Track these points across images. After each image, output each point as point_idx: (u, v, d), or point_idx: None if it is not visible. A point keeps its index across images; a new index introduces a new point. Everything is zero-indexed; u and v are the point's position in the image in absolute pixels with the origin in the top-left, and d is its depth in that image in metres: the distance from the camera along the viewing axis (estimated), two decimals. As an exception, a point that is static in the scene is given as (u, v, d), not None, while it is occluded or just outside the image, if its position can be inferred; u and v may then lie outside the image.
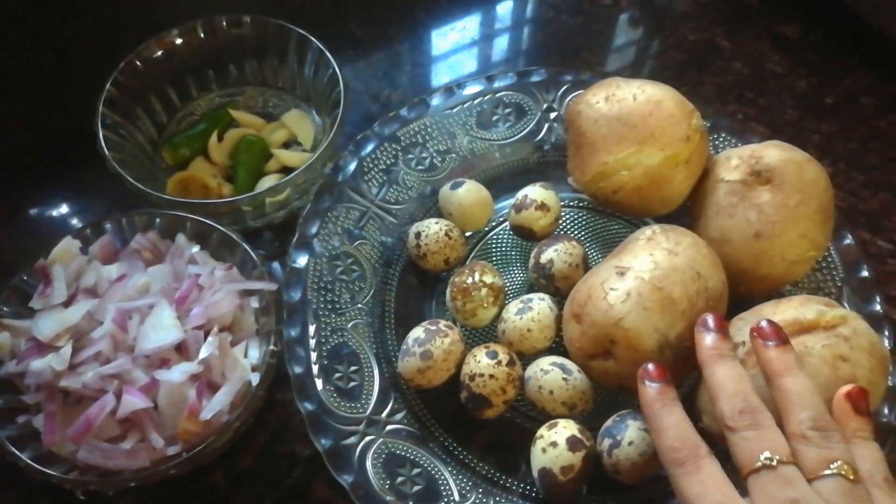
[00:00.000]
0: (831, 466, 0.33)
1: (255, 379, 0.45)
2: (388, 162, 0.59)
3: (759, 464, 0.34)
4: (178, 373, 0.43)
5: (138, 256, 0.49)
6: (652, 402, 0.40)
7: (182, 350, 0.45)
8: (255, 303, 0.49)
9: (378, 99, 0.70)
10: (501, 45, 0.77)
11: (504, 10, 0.80)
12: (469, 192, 0.56)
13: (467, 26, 0.77)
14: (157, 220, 0.50)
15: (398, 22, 0.76)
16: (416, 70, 0.74)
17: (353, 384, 0.50)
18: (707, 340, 0.41)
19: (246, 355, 0.47)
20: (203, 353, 0.44)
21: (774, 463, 0.34)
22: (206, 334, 0.45)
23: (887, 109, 0.70)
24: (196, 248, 0.50)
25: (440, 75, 0.74)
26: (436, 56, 0.76)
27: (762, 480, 0.34)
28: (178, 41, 0.61)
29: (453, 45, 0.76)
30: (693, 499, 0.35)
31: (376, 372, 0.51)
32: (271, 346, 0.46)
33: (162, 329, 0.44)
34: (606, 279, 0.47)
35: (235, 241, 0.50)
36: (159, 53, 0.60)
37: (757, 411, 0.37)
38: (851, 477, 0.33)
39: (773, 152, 0.51)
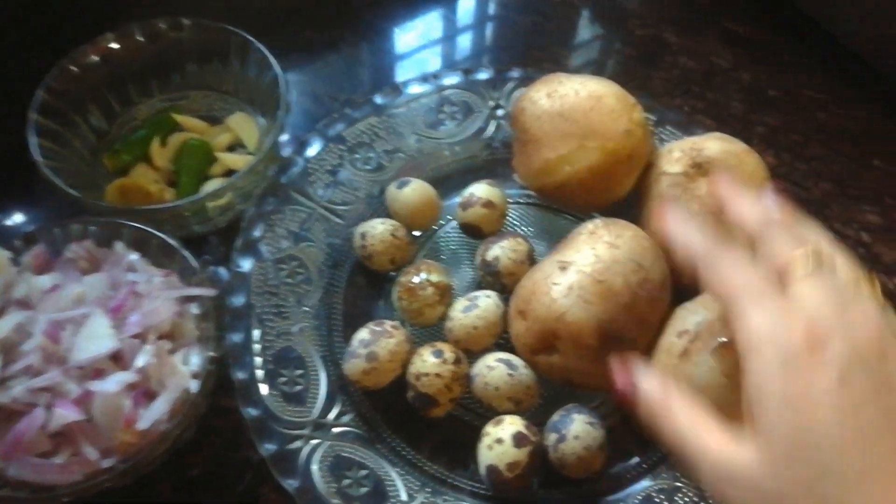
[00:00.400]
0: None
1: (194, 386, 0.44)
2: (333, 163, 0.59)
3: (803, 256, 0.32)
4: (113, 383, 0.42)
5: (73, 266, 0.47)
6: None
7: (119, 360, 0.44)
8: (195, 309, 0.48)
9: (337, 101, 0.70)
10: (463, 43, 0.77)
11: (461, 10, 0.80)
12: (415, 192, 0.56)
13: (424, 27, 0.77)
14: (93, 228, 0.49)
15: (353, 25, 0.76)
16: (373, 72, 0.73)
17: (298, 388, 0.49)
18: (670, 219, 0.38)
19: (186, 363, 0.46)
20: (140, 362, 0.43)
21: (819, 257, 0.32)
22: (144, 343, 0.44)
23: (829, 102, 0.71)
24: (135, 256, 0.49)
25: (399, 76, 0.74)
26: (395, 57, 0.75)
27: (809, 273, 0.31)
28: (115, 45, 0.59)
29: (410, 47, 0.76)
30: (731, 279, 0.33)
31: (323, 375, 0.50)
32: (210, 353, 0.45)
33: (96, 339, 0.43)
34: (550, 274, 0.47)
35: (174, 248, 0.49)
36: (95, 58, 0.59)
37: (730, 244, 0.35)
38: (875, 285, 0.34)
39: (713, 144, 0.51)
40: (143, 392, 0.43)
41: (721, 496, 0.31)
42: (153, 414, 0.42)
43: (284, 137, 0.63)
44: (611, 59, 0.76)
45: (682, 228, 0.37)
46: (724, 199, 0.38)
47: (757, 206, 0.36)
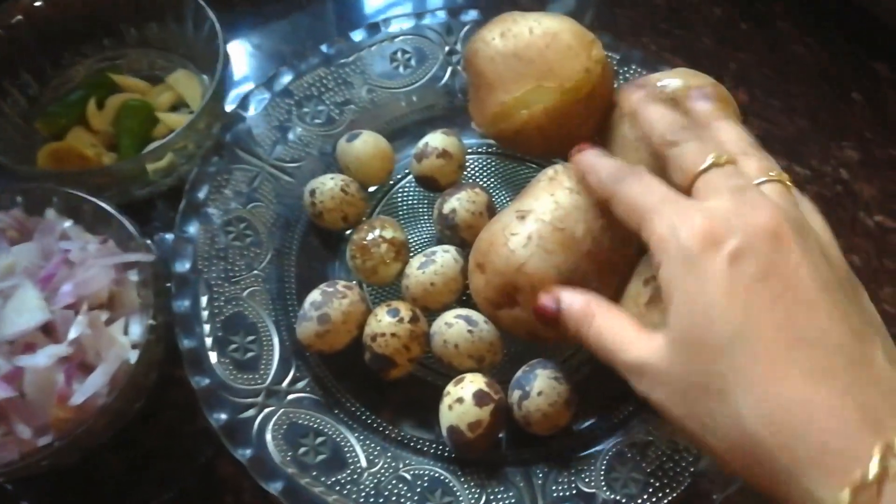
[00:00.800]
0: (770, 174, 0.34)
1: (134, 357, 0.42)
2: (281, 118, 0.56)
3: (708, 163, 0.33)
4: (44, 357, 0.39)
5: (1, 236, 0.45)
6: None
7: (51, 332, 0.41)
8: (135, 276, 0.45)
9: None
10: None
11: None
12: (366, 144, 0.53)
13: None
14: (19, 197, 0.46)
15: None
16: (339, 29, 0.70)
17: (250, 355, 0.47)
18: (634, 93, 0.42)
19: (127, 333, 0.44)
20: (72, 334, 0.40)
21: (723, 161, 0.33)
22: (78, 314, 0.42)
23: (804, 33, 0.68)
24: (68, 223, 0.46)
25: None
26: (362, 14, 0.72)
27: (711, 177, 0.33)
28: (39, 3, 0.55)
29: (379, 2, 0.73)
30: (637, 197, 0.35)
31: (276, 340, 0.48)
32: (150, 321, 0.43)
33: (25, 311, 0.40)
34: (508, 224, 0.45)
35: (111, 214, 0.46)
36: (20, 17, 0.55)
37: (697, 128, 0.37)
38: (788, 184, 0.34)
39: (676, 80, 0.48)
40: (78, 365, 0.41)
41: (640, 392, 0.33)
42: (89, 388, 0.40)
43: (234, 95, 0.60)
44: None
45: (593, 163, 0.40)
46: (633, 107, 0.40)
47: (668, 114, 0.38)
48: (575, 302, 0.38)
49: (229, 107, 0.57)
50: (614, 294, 0.44)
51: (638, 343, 0.33)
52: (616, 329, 0.35)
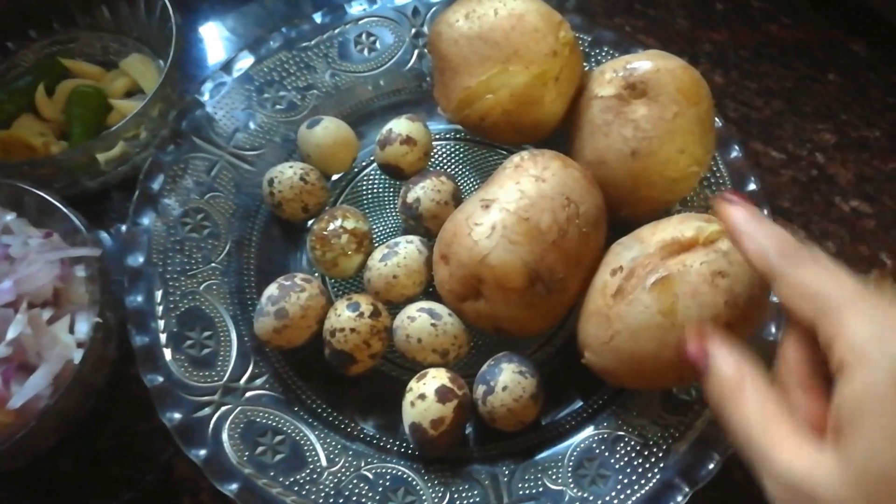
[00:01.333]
0: None
1: (79, 356, 0.40)
2: (240, 104, 0.54)
3: (868, 283, 0.28)
4: (-19, 358, 0.37)
5: (-63, 231, 0.42)
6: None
7: (-11, 332, 0.39)
8: (82, 272, 0.43)
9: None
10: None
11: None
12: (327, 130, 0.51)
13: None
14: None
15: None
16: (318, 8, 0.66)
17: (207, 351, 0.45)
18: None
19: (73, 331, 0.42)
20: (11, 334, 0.38)
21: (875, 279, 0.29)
22: (17, 312, 0.39)
23: (779, 12, 0.66)
24: (10, 216, 0.44)
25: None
26: None
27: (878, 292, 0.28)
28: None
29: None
30: (820, 286, 0.29)
31: (234, 336, 0.47)
32: (96, 319, 0.40)
33: (-38, 310, 0.38)
34: (471, 214, 0.43)
35: (55, 206, 0.44)
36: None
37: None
38: None
39: (647, 62, 0.46)
40: (18, 367, 0.39)
41: None
42: (29, 390, 0.38)
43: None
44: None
45: (753, 228, 0.32)
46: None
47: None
48: (726, 365, 0.31)
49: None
50: (582, 284, 0.43)
51: (797, 451, 0.27)
52: (769, 425, 0.28)
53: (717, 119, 0.50)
